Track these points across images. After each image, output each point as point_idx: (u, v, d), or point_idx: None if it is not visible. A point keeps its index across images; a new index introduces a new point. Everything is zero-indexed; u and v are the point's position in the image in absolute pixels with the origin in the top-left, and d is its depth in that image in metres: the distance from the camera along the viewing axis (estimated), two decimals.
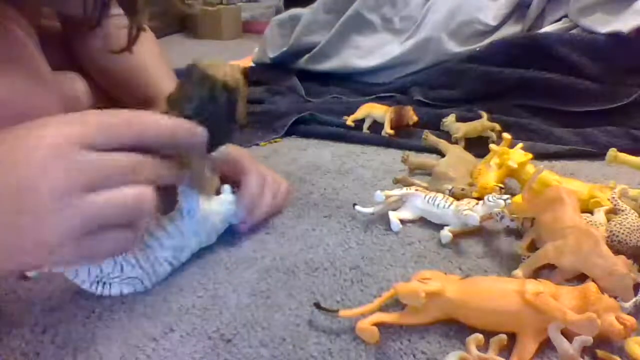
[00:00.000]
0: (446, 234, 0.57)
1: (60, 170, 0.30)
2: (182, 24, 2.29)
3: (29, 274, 0.47)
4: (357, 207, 0.62)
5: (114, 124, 0.33)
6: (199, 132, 0.38)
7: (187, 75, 0.44)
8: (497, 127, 0.85)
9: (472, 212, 0.56)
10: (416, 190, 0.63)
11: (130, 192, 0.33)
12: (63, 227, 0.30)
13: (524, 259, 0.52)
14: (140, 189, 0.33)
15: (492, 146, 0.68)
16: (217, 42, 2.11)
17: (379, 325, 0.43)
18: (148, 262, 0.48)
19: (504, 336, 0.41)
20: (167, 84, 0.64)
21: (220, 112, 0.43)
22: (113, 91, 0.66)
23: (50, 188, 0.30)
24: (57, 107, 0.48)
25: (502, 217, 0.57)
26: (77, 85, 0.65)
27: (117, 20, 0.60)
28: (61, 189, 0.30)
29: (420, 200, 0.61)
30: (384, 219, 0.61)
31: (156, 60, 0.66)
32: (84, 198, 0.31)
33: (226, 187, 0.56)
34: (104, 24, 0.57)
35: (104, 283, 0.46)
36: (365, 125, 0.93)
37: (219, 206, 0.54)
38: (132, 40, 0.54)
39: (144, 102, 0.64)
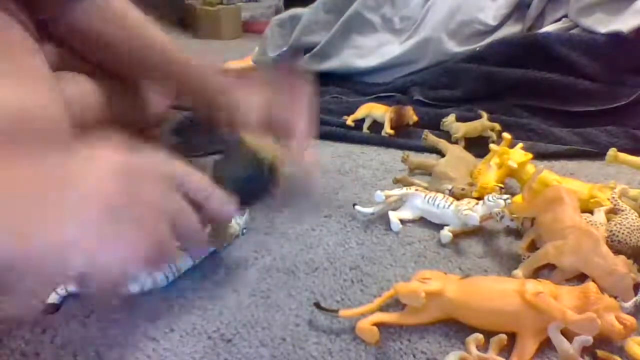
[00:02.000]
0: (446, 234, 0.57)
1: (115, 190, 0.31)
2: (182, 24, 2.29)
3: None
4: (357, 207, 0.62)
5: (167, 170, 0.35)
6: (230, 207, 0.39)
7: (234, 148, 0.45)
8: (497, 127, 0.85)
9: (472, 212, 0.56)
10: (416, 190, 0.63)
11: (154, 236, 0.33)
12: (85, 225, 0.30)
13: (524, 259, 0.52)
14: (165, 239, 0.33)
15: (492, 146, 0.68)
16: (217, 42, 2.11)
17: (379, 325, 0.43)
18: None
19: (504, 336, 0.41)
20: (163, 40, 0.63)
21: (263, 188, 0.45)
22: (114, 66, 0.65)
23: (102, 201, 0.30)
24: (57, 105, 0.48)
25: (502, 217, 0.57)
26: (77, 84, 0.65)
27: None
28: (111, 204, 0.30)
29: (420, 200, 0.61)
30: (384, 219, 0.61)
31: (149, 22, 0.65)
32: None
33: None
34: None
35: None
36: (365, 125, 0.93)
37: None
38: None
39: (144, 67, 0.63)
